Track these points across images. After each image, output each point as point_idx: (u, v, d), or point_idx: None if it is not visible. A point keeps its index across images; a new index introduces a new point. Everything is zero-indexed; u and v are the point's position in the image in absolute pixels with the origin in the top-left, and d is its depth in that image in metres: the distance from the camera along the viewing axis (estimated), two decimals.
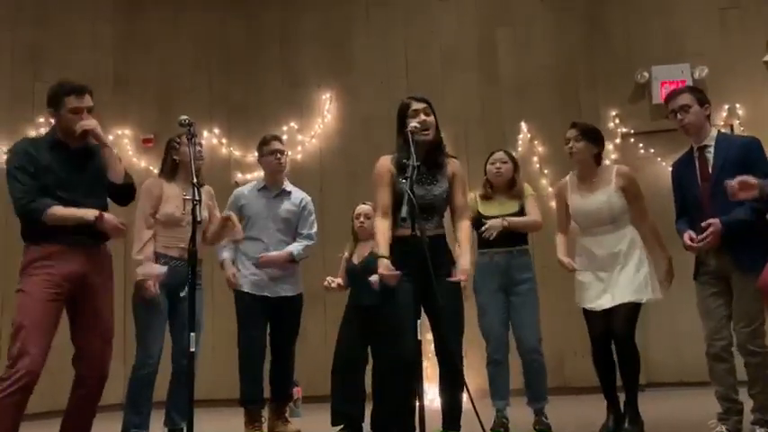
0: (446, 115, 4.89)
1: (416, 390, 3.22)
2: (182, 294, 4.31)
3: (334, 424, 4.61)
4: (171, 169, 4.56)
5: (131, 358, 4.45)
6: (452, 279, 3.61)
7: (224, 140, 7.58)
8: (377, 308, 4.08)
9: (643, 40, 7.15)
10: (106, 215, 3.56)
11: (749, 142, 4.00)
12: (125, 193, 3.75)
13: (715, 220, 3.77)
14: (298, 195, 5.00)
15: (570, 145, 4.37)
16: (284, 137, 6.14)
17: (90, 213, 3.52)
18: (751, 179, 3.51)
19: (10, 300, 4.58)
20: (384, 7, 7.65)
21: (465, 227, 3.80)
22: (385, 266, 3.54)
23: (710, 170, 3.94)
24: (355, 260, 4.79)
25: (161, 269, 4.31)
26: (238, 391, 4.76)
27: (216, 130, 7.57)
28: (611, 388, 4.34)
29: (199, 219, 3.51)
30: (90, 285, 3.59)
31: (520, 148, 6.93)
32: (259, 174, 5.17)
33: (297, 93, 7.57)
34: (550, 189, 6.75)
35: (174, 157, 4.54)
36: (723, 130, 4.91)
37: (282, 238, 4.85)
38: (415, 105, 3.74)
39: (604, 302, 4.20)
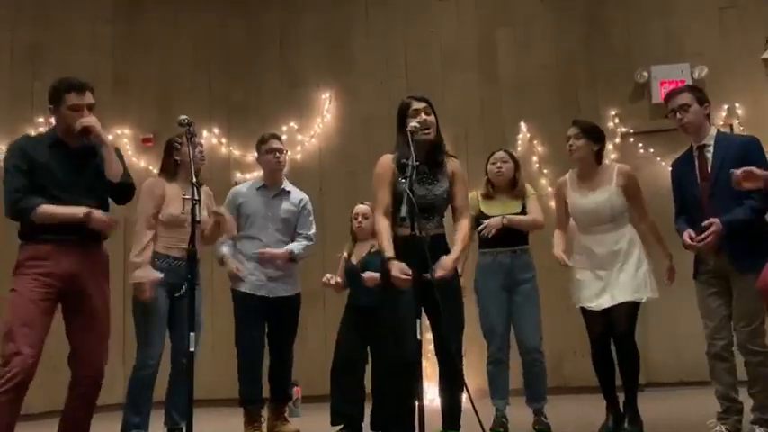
0: (446, 115, 4.89)
1: (416, 390, 3.21)
2: (177, 295, 4.31)
3: (333, 424, 4.61)
4: (172, 170, 4.56)
5: (131, 358, 4.45)
6: (427, 276, 3.41)
7: (223, 140, 7.58)
8: (376, 308, 4.08)
9: (642, 40, 7.15)
10: (95, 212, 3.53)
11: (748, 141, 4.00)
12: (122, 191, 3.72)
13: (715, 220, 3.77)
14: (297, 195, 4.99)
15: (570, 143, 4.37)
16: (284, 137, 6.14)
17: (79, 211, 3.50)
18: (757, 171, 3.50)
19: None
20: (384, 7, 7.65)
21: (463, 226, 3.80)
22: (399, 269, 3.47)
23: (710, 169, 3.95)
24: (354, 260, 4.79)
25: (156, 275, 4.30)
26: (237, 391, 4.76)
27: (215, 130, 7.58)
28: (611, 388, 4.34)
29: (198, 218, 3.51)
30: (84, 285, 3.58)
31: (519, 148, 6.93)
32: (259, 173, 5.15)
33: (296, 93, 7.58)
34: (550, 189, 6.75)
35: (176, 158, 4.54)
36: (723, 130, 4.91)
37: (281, 238, 4.84)
38: (416, 105, 3.74)
39: (604, 302, 4.21)
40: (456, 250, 3.71)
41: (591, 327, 4.33)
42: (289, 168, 6.92)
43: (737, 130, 6.72)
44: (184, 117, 3.68)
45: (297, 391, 6.12)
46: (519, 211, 4.67)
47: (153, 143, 7.32)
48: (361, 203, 4.86)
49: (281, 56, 7.71)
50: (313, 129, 7.52)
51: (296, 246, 4.85)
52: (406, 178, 3.36)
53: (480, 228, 4.59)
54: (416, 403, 3.19)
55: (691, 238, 3.89)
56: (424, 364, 3.66)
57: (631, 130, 7.05)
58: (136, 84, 7.62)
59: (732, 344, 3.90)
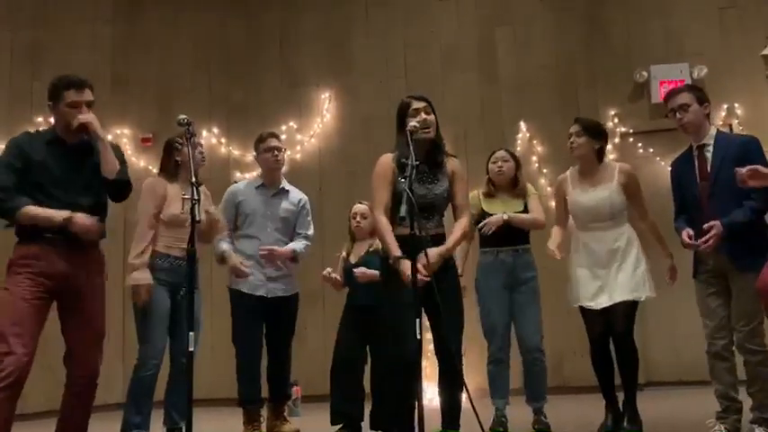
0: (446, 115, 4.89)
1: (416, 389, 3.21)
2: (179, 296, 4.32)
3: (333, 423, 4.61)
4: (173, 170, 4.55)
5: (130, 358, 4.45)
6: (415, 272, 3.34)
7: (223, 140, 7.59)
8: (375, 307, 4.09)
9: (642, 40, 7.16)
10: (77, 216, 3.48)
11: (748, 141, 4.00)
12: (118, 188, 3.69)
13: (716, 223, 3.77)
14: (296, 195, 4.98)
15: (572, 140, 4.37)
16: (283, 136, 6.15)
17: (59, 215, 3.46)
18: (762, 169, 3.49)
19: None
20: (384, 7, 7.66)
21: (461, 223, 3.80)
22: (409, 267, 3.39)
23: (709, 169, 3.95)
24: (352, 259, 4.80)
25: (150, 280, 4.29)
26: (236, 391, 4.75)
27: (215, 130, 7.58)
28: (610, 387, 4.35)
29: (198, 218, 3.51)
30: (78, 284, 3.56)
31: (519, 148, 6.93)
32: (258, 173, 5.13)
33: (296, 92, 7.58)
34: (549, 189, 6.76)
35: (177, 158, 4.53)
36: (722, 130, 4.91)
37: (280, 238, 4.83)
38: (416, 104, 3.74)
39: (603, 301, 4.20)
40: (447, 244, 3.70)
41: (590, 326, 4.33)
42: (288, 168, 6.93)
43: (737, 129, 6.72)
44: (184, 117, 3.68)
45: (296, 391, 6.12)
46: (520, 209, 4.67)
47: (152, 143, 7.33)
48: (360, 203, 4.86)
49: (280, 56, 7.72)
50: (312, 129, 7.53)
51: (297, 245, 4.84)
52: (405, 177, 3.36)
53: (480, 225, 4.59)
54: (416, 403, 3.19)
55: (689, 237, 3.90)
56: (424, 363, 3.67)
57: (631, 130, 7.06)
58: (135, 84, 7.63)
59: (732, 343, 3.90)
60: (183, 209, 4.26)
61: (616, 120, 7.04)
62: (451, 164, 3.83)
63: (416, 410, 3.17)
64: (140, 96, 7.61)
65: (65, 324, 3.62)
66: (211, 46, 7.79)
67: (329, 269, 4.76)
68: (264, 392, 4.81)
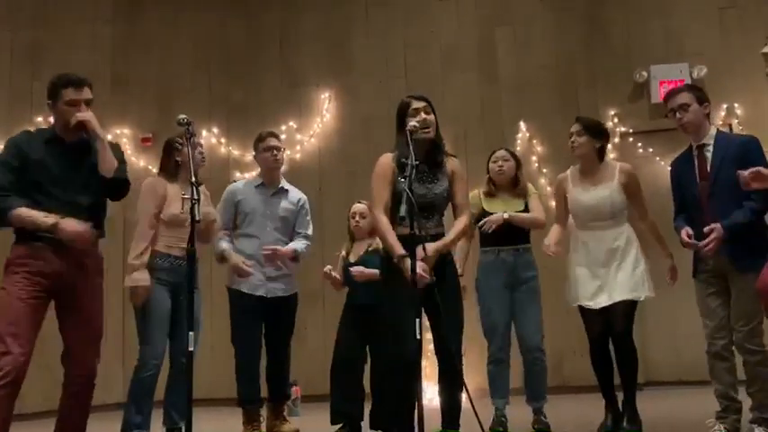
0: (445, 115, 4.89)
1: (416, 389, 3.21)
2: (180, 297, 4.31)
3: (333, 423, 4.61)
4: (173, 170, 4.54)
5: (130, 358, 4.45)
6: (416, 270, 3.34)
7: (223, 140, 7.59)
8: (374, 306, 4.09)
9: (642, 40, 7.16)
10: (64, 222, 3.43)
11: (748, 141, 4.00)
12: (115, 187, 3.67)
13: (717, 226, 3.76)
14: (295, 194, 4.98)
15: (572, 139, 4.37)
16: (283, 136, 6.14)
17: (45, 220, 3.43)
18: (765, 170, 3.48)
19: None
20: (384, 7, 7.66)
21: (460, 221, 3.80)
22: (421, 267, 3.39)
23: (709, 169, 3.94)
24: (351, 259, 4.80)
25: (148, 281, 4.29)
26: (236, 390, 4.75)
27: (215, 130, 7.59)
28: (610, 387, 4.35)
29: (198, 218, 3.51)
30: (76, 284, 3.55)
31: (519, 148, 6.93)
32: (258, 173, 5.11)
33: (296, 92, 7.58)
34: (549, 188, 6.76)
35: (177, 159, 4.52)
36: (722, 129, 4.91)
37: (280, 237, 4.82)
38: (416, 104, 3.74)
39: (602, 300, 4.20)
40: (444, 239, 3.70)
41: (589, 326, 4.33)
42: (288, 168, 6.94)
43: (737, 129, 6.73)
44: (183, 116, 3.67)
45: (296, 391, 6.13)
46: (521, 209, 4.67)
47: (152, 143, 7.34)
48: (359, 202, 4.86)
49: (280, 56, 7.72)
50: (312, 128, 7.53)
51: (299, 245, 4.84)
52: (405, 177, 3.36)
53: (481, 223, 4.59)
54: (416, 402, 3.19)
55: (688, 236, 3.90)
56: (424, 363, 3.67)
57: (630, 130, 7.06)
58: (135, 83, 7.63)
59: (732, 343, 3.89)
60: (182, 209, 4.26)
61: (616, 120, 7.05)
62: (451, 164, 3.83)
63: (416, 410, 3.17)
64: (140, 96, 7.61)
65: (62, 323, 3.61)
66: (211, 46, 7.79)
67: (329, 266, 4.77)
68: (264, 392, 4.81)
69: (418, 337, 3.23)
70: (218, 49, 7.79)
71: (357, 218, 4.81)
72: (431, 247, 3.54)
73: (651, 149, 6.98)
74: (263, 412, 4.80)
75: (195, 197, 3.46)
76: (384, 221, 3.64)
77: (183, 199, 3.79)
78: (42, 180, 3.53)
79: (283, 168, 5.02)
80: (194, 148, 3.89)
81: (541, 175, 7.01)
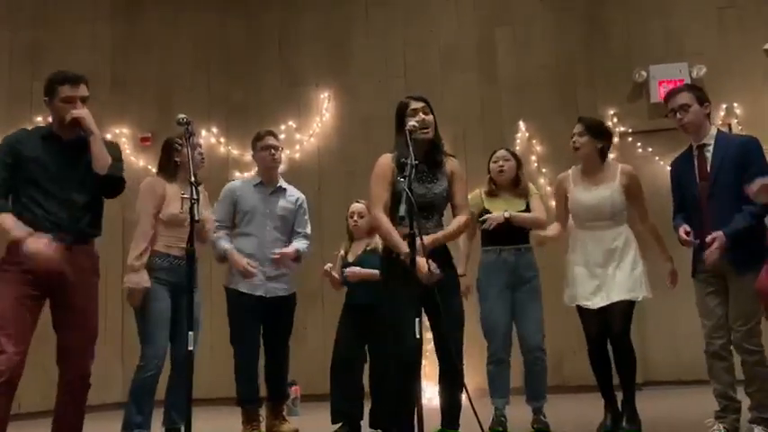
0: (445, 115, 4.89)
1: (416, 389, 3.21)
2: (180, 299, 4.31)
3: (333, 422, 4.61)
4: (172, 170, 4.53)
5: (129, 358, 4.46)
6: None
7: (222, 140, 7.59)
8: (374, 306, 4.09)
9: (641, 40, 7.17)
10: (30, 241, 3.38)
11: (748, 141, 4.00)
12: (110, 184, 3.65)
13: (719, 234, 3.75)
14: (293, 193, 4.97)
15: (574, 139, 4.37)
16: (282, 136, 6.14)
17: (18, 233, 3.40)
18: None
19: None
20: (383, 7, 7.66)
21: (458, 220, 3.81)
22: (424, 263, 3.43)
23: (709, 169, 3.94)
24: (350, 258, 4.80)
25: (147, 283, 4.28)
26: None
27: (214, 129, 7.59)
28: (609, 387, 4.35)
29: (197, 218, 3.51)
30: (69, 284, 3.53)
31: (518, 148, 6.92)
32: (256, 171, 5.10)
33: (295, 92, 7.59)
34: (549, 188, 6.76)
35: (176, 159, 4.51)
36: (722, 129, 4.91)
37: (279, 236, 4.81)
38: (414, 104, 3.74)
39: (600, 300, 4.21)
40: (442, 232, 3.72)
41: (587, 326, 4.33)
42: (287, 167, 6.94)
43: (736, 129, 6.73)
44: (183, 116, 3.67)
45: (295, 391, 6.13)
46: (522, 209, 4.67)
47: (152, 142, 7.34)
48: (357, 202, 4.86)
49: (280, 55, 7.72)
50: (312, 128, 7.53)
51: (300, 245, 4.83)
52: (405, 177, 3.36)
53: (482, 218, 4.59)
54: (415, 402, 3.19)
55: (686, 234, 3.90)
56: (423, 363, 3.67)
57: (630, 130, 7.07)
58: (135, 83, 7.64)
59: (730, 343, 3.89)
60: (182, 208, 4.26)
61: (615, 119, 7.05)
62: (450, 164, 3.83)
63: (416, 410, 3.17)
64: (140, 96, 7.61)
65: (56, 323, 3.60)
66: (211, 46, 7.80)
67: (329, 264, 4.77)
68: (263, 392, 4.81)
69: (418, 336, 3.23)
70: (218, 49, 7.79)
71: (355, 217, 4.81)
72: (427, 238, 3.55)
73: (650, 149, 6.99)
74: (263, 412, 4.80)
75: (195, 197, 3.47)
76: (385, 221, 3.64)
77: (183, 199, 3.79)
78: (38, 177, 3.53)
79: (283, 168, 5.01)
80: (194, 149, 3.89)
81: (541, 175, 7.01)
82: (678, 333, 6.54)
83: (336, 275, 4.77)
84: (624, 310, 4.20)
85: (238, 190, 4.84)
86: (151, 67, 7.72)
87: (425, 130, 3.69)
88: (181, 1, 7.86)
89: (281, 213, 4.84)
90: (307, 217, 4.99)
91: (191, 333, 3.41)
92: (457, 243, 4.57)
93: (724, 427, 3.84)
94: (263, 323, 4.74)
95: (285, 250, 4.72)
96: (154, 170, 5.16)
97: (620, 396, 4.33)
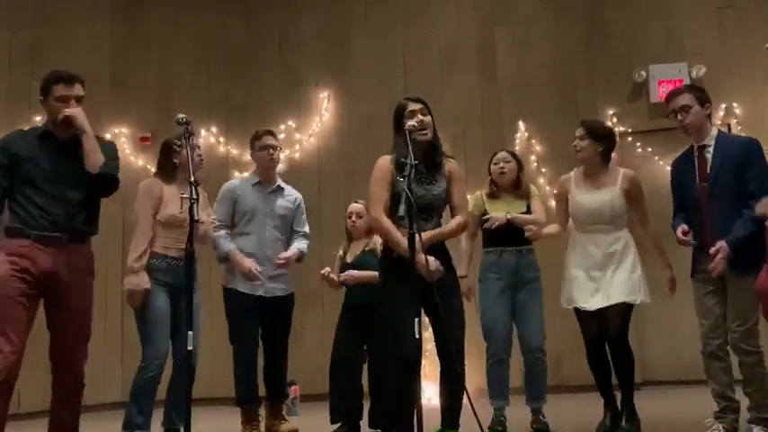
0: (445, 115, 4.90)
1: (415, 389, 3.21)
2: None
3: (332, 422, 4.61)
4: (170, 171, 4.53)
5: (129, 358, 4.46)
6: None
7: (222, 139, 7.59)
8: (373, 306, 4.09)
9: (641, 40, 7.17)
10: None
11: (748, 143, 3.99)
12: (102, 183, 3.65)
13: (723, 244, 3.73)
14: (291, 193, 4.96)
15: (575, 143, 4.37)
16: (282, 136, 6.14)
17: None
18: None
19: None
20: (383, 7, 7.66)
21: (456, 220, 3.81)
22: (432, 262, 3.46)
23: (709, 170, 3.93)
24: (348, 259, 4.80)
25: (147, 284, 4.29)
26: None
27: (214, 129, 7.59)
28: (608, 387, 4.35)
29: (197, 218, 3.51)
30: (63, 283, 3.53)
31: (518, 147, 6.92)
32: (254, 171, 5.08)
33: (295, 92, 7.59)
34: (548, 188, 6.77)
35: (174, 160, 4.50)
36: (722, 130, 4.92)
37: (278, 236, 4.81)
38: (412, 106, 3.74)
39: (598, 301, 4.21)
40: (440, 230, 3.73)
41: (585, 328, 4.34)
42: (287, 167, 6.94)
43: (735, 129, 6.74)
44: (183, 116, 3.68)
45: (294, 390, 6.13)
46: (524, 210, 4.67)
47: (151, 142, 7.34)
48: (356, 202, 4.86)
49: (280, 55, 7.72)
50: (311, 128, 7.53)
51: (302, 245, 4.84)
52: (404, 177, 3.36)
53: (485, 217, 4.59)
54: (415, 402, 3.19)
55: (684, 234, 3.90)
56: (423, 363, 3.67)
57: (629, 130, 7.06)
58: (135, 83, 7.64)
59: (727, 343, 3.89)
60: (181, 208, 4.26)
61: (615, 119, 7.05)
62: (449, 165, 3.84)
63: (415, 410, 3.17)
64: (140, 96, 7.61)
65: (50, 322, 3.59)
66: (211, 46, 7.80)
67: (328, 269, 4.77)
68: (262, 392, 4.81)
69: (417, 336, 3.23)
70: (218, 49, 7.79)
71: (353, 217, 4.81)
72: (425, 235, 3.55)
73: (650, 149, 6.99)
74: (262, 412, 4.80)
75: (194, 197, 3.47)
76: (385, 220, 3.65)
77: (182, 198, 3.79)
78: (33, 176, 3.54)
79: (282, 168, 5.01)
80: (192, 149, 3.88)
81: (540, 175, 7.01)
82: (677, 333, 6.54)
83: (335, 277, 4.77)
84: (622, 312, 4.20)
85: (238, 189, 4.83)
86: (151, 67, 7.72)
87: (423, 131, 3.69)
88: (181, 1, 7.86)
89: (281, 213, 4.84)
90: (305, 216, 4.99)
91: (190, 333, 3.41)
92: (457, 245, 4.57)
93: (723, 427, 3.84)
94: (262, 323, 4.73)
95: (288, 254, 4.72)
96: (153, 170, 5.16)
97: (618, 396, 4.33)
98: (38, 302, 3.55)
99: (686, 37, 7.07)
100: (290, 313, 4.88)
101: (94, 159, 3.60)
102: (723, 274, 3.87)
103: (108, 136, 7.12)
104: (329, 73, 7.57)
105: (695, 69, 6.92)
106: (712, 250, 3.76)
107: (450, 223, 3.81)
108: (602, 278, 4.23)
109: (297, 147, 7.46)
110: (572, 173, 4.49)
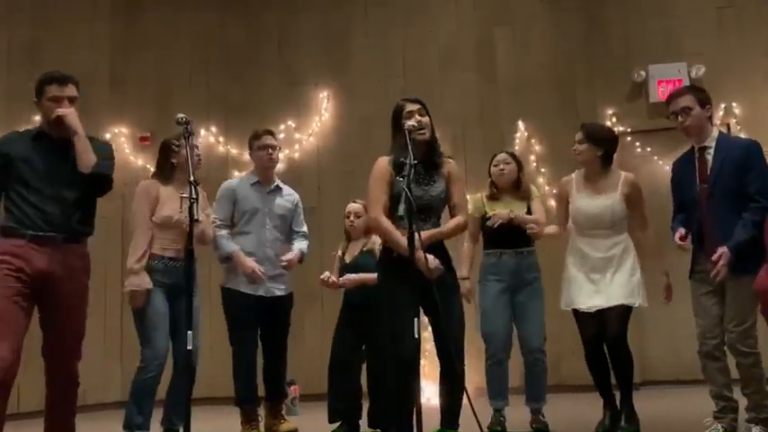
0: (444, 114, 4.91)
1: (414, 389, 3.22)
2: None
3: (331, 421, 4.62)
4: (168, 172, 4.53)
5: (128, 358, 4.46)
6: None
7: (221, 139, 7.59)
8: (372, 306, 4.09)
9: (641, 40, 7.17)
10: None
11: (749, 145, 3.98)
12: (95, 182, 3.64)
13: (724, 250, 3.72)
14: (289, 192, 4.97)
15: (574, 147, 4.37)
16: (281, 135, 6.13)
17: None
18: None
19: None
20: (383, 7, 7.66)
21: (456, 220, 3.81)
22: (431, 261, 3.48)
23: (709, 172, 3.93)
24: (347, 259, 4.80)
25: (149, 285, 4.29)
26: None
27: (213, 129, 7.59)
28: (607, 387, 4.36)
29: (196, 217, 3.50)
30: (58, 283, 3.52)
31: (517, 147, 6.93)
32: (252, 170, 5.07)
33: (294, 91, 7.58)
34: (548, 188, 6.77)
35: (173, 161, 4.51)
36: (721, 129, 4.91)
37: (278, 236, 4.81)
38: (410, 107, 3.75)
39: (597, 303, 4.21)
40: (439, 229, 3.73)
41: (583, 330, 4.34)
42: (286, 167, 6.94)
43: (735, 129, 6.74)
44: (182, 115, 3.67)
45: (294, 390, 6.13)
46: (524, 211, 4.66)
47: (150, 142, 7.33)
48: (354, 202, 4.86)
49: (279, 55, 7.72)
50: (311, 128, 7.53)
51: (303, 246, 4.85)
52: (403, 177, 3.36)
53: (488, 215, 4.59)
54: (414, 402, 3.19)
55: (681, 239, 3.90)
56: (423, 362, 3.67)
57: (629, 129, 7.07)
58: (134, 83, 7.63)
59: (724, 343, 3.88)
60: (181, 208, 4.25)
61: (614, 119, 7.05)
62: (448, 166, 3.84)
63: (415, 409, 3.17)
64: (139, 95, 7.61)
65: (43, 321, 3.59)
66: (210, 45, 7.79)
67: (327, 273, 4.76)
68: (261, 391, 4.81)
69: (416, 336, 3.23)
70: (218, 49, 7.78)
71: (352, 217, 4.81)
72: (424, 234, 3.55)
73: (649, 149, 6.99)
74: (261, 411, 4.79)
75: (194, 197, 3.47)
76: (384, 220, 3.65)
77: (182, 198, 3.78)
78: (28, 176, 3.54)
79: (282, 167, 5.01)
80: (192, 149, 3.88)
81: (540, 175, 7.01)
82: (677, 333, 6.53)
83: (334, 278, 4.77)
84: (621, 314, 4.21)
85: (237, 188, 4.82)
86: (151, 67, 7.71)
87: (421, 132, 3.69)
88: (180, 1, 7.85)
89: (280, 212, 4.84)
90: (302, 216, 5.00)
91: (189, 332, 3.41)
92: (458, 246, 4.58)
93: (722, 427, 3.84)
94: (261, 323, 4.73)
95: (291, 257, 4.72)
96: (153, 170, 5.16)
97: (617, 396, 4.34)
98: (34, 302, 3.54)
99: (686, 37, 7.07)
100: (289, 313, 4.88)
101: (86, 159, 3.59)
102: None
103: (107, 136, 7.15)
104: (329, 73, 7.57)
105: (695, 69, 6.92)
106: (714, 257, 3.75)
107: (449, 223, 3.81)
108: (602, 281, 4.24)
109: (296, 146, 7.46)
110: (573, 175, 4.49)
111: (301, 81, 7.60)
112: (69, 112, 3.59)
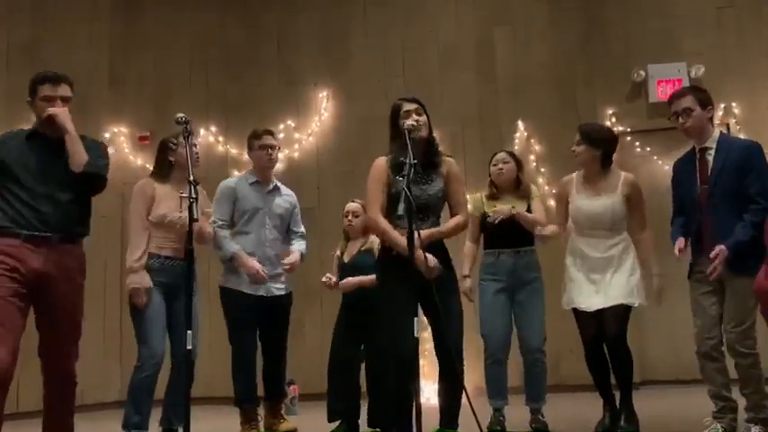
0: (443, 114, 4.91)
1: (413, 388, 3.21)
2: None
3: (330, 421, 4.62)
4: (166, 170, 4.52)
5: (127, 357, 4.45)
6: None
7: (220, 138, 7.59)
8: (371, 306, 4.09)
9: (640, 39, 7.17)
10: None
11: (750, 146, 3.98)
12: (87, 182, 3.63)
13: (722, 248, 3.72)
14: (288, 192, 4.97)
15: (573, 148, 4.37)
16: (281, 135, 6.13)
17: None
18: None
19: None
20: (382, 7, 7.66)
21: (455, 219, 3.82)
22: (430, 260, 3.49)
23: (710, 173, 3.92)
24: (345, 258, 4.80)
25: (149, 283, 4.28)
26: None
27: (212, 128, 7.58)
28: (607, 386, 4.36)
29: (196, 217, 3.50)
30: (53, 284, 3.51)
31: (517, 147, 6.92)
32: (250, 169, 5.06)
33: (294, 91, 7.58)
34: (547, 188, 6.77)
35: (170, 159, 4.51)
36: (721, 130, 4.91)
37: (277, 236, 4.82)
38: (407, 106, 3.75)
39: (597, 302, 4.21)
40: (438, 228, 3.74)
41: (583, 329, 4.34)
42: (286, 167, 6.95)
43: (734, 129, 6.74)
44: (182, 115, 3.67)
45: (293, 389, 6.13)
46: (525, 210, 4.66)
47: (150, 141, 7.33)
48: (352, 201, 4.86)
49: (279, 55, 7.72)
50: (310, 127, 7.53)
51: (302, 246, 4.85)
52: (403, 176, 3.36)
53: (490, 211, 4.59)
54: (414, 401, 3.19)
55: (680, 251, 3.91)
56: (422, 362, 3.67)
57: (628, 129, 7.06)
58: (133, 82, 7.64)
59: (722, 344, 3.88)
60: (181, 208, 4.25)
61: (614, 119, 7.05)
62: (447, 164, 3.84)
63: (414, 409, 3.17)
64: (138, 95, 7.61)
65: (39, 321, 3.57)
66: (210, 45, 7.79)
67: (328, 275, 4.77)
68: (261, 391, 4.81)
69: (415, 335, 3.23)
70: (217, 48, 7.78)
71: (350, 217, 4.81)
72: (424, 233, 3.55)
73: (649, 149, 6.99)
74: (261, 411, 4.79)
75: (193, 196, 3.46)
76: (383, 220, 3.66)
77: (182, 197, 3.78)
78: (22, 176, 3.53)
79: (281, 167, 5.01)
80: (191, 148, 3.88)
81: (539, 174, 7.01)
82: (677, 332, 6.53)
83: (335, 279, 4.77)
84: (621, 313, 4.21)
85: (237, 188, 4.81)
86: (150, 67, 7.72)
87: (420, 131, 3.69)
88: (180, 1, 7.85)
89: (279, 212, 4.84)
90: (300, 217, 5.00)
91: (189, 332, 3.40)
92: (458, 246, 4.57)
93: (722, 427, 3.84)
94: (261, 323, 4.73)
95: (292, 259, 4.73)
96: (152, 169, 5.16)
97: (617, 395, 4.34)
98: (30, 302, 3.53)
99: (685, 37, 7.07)
100: (288, 313, 4.88)
101: (78, 158, 3.58)
102: (721, 275, 3.87)
103: (107, 135, 7.16)
104: (328, 72, 7.57)
105: (694, 69, 6.92)
106: (712, 254, 3.76)
107: (449, 222, 3.81)
108: (602, 280, 4.24)
109: (296, 146, 7.46)
110: (573, 175, 4.49)
111: (301, 81, 7.60)
112: (60, 111, 3.59)
